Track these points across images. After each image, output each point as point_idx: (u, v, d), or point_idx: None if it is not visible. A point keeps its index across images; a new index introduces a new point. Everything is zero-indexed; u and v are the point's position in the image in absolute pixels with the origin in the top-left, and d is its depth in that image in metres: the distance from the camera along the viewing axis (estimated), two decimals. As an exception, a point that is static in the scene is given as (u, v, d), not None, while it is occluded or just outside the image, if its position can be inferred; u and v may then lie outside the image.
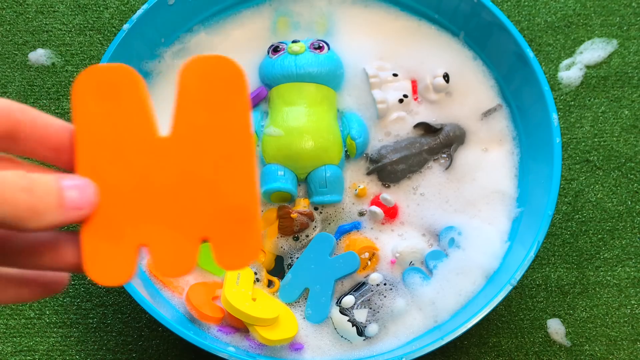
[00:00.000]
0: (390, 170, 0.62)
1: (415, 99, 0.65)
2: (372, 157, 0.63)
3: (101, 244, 0.30)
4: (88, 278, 0.65)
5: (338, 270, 0.60)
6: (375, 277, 0.59)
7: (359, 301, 0.59)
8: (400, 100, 0.64)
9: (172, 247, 0.31)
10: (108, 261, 0.30)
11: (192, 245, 0.31)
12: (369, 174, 0.63)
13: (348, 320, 0.58)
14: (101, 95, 0.31)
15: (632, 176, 0.68)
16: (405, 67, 0.65)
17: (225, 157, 0.30)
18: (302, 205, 0.61)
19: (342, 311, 0.58)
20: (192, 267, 0.31)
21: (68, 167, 0.32)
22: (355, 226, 0.62)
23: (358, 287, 0.60)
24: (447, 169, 0.63)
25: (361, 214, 0.63)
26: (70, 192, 0.29)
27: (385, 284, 0.60)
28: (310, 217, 0.62)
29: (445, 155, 0.63)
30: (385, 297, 0.59)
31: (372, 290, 0.59)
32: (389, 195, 0.62)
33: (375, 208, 0.61)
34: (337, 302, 0.60)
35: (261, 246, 0.31)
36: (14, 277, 0.31)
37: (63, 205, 0.29)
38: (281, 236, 0.62)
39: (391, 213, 0.62)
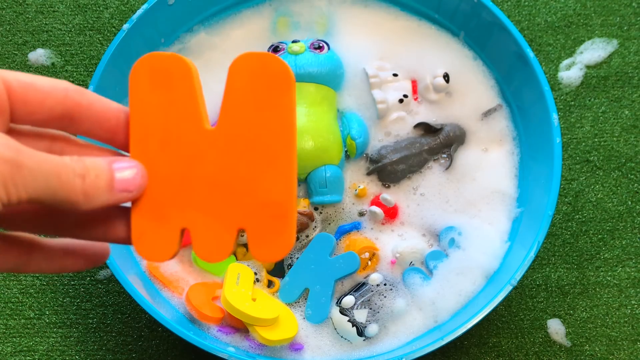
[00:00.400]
0: (390, 170, 0.62)
1: (416, 99, 0.65)
2: (372, 157, 0.63)
3: (148, 223, 0.32)
4: (88, 278, 0.65)
5: (338, 271, 0.60)
6: (375, 278, 0.59)
7: (359, 301, 0.59)
8: (400, 100, 0.63)
9: (210, 233, 0.32)
10: (153, 239, 0.32)
11: (229, 234, 0.32)
12: (369, 174, 0.63)
13: (348, 321, 0.58)
14: (156, 83, 0.32)
15: (632, 176, 0.68)
16: (405, 67, 0.65)
17: (268, 153, 0.32)
18: (302, 205, 0.61)
19: (342, 311, 0.58)
20: (228, 254, 0.33)
21: (122, 148, 0.34)
22: (355, 226, 0.62)
23: (358, 288, 0.60)
24: (447, 169, 0.63)
25: (361, 214, 0.62)
26: (121, 175, 0.31)
27: (385, 284, 0.60)
28: (310, 217, 0.62)
29: (445, 156, 0.63)
30: (385, 297, 0.59)
31: (372, 291, 0.59)
32: (389, 196, 0.61)
33: (375, 208, 0.61)
34: (337, 303, 0.60)
35: (294, 242, 0.33)
36: (60, 247, 0.33)
37: (113, 189, 0.31)
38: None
39: (391, 213, 0.62)
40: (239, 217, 0.32)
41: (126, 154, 0.34)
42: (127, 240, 0.33)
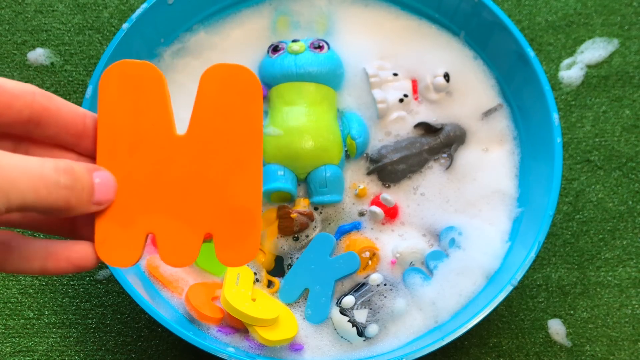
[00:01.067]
0: (390, 170, 0.62)
1: (416, 99, 0.65)
2: (372, 157, 0.63)
3: (112, 228, 0.33)
4: (87, 278, 0.65)
5: (338, 271, 0.60)
6: (375, 278, 0.59)
7: (359, 301, 0.59)
8: (401, 100, 0.63)
9: (177, 238, 0.33)
10: (117, 244, 0.33)
11: (195, 238, 0.33)
12: (369, 174, 0.63)
13: (348, 321, 0.58)
14: (126, 89, 0.33)
15: (633, 176, 0.67)
16: (405, 67, 0.65)
17: (235, 160, 0.33)
18: (302, 205, 0.61)
19: (342, 312, 0.58)
20: (194, 259, 0.33)
21: (86, 153, 0.34)
22: (356, 226, 0.62)
23: (358, 288, 0.60)
24: (447, 168, 0.63)
25: (361, 214, 0.62)
26: (99, 188, 0.32)
27: (385, 284, 0.59)
28: (310, 217, 0.62)
29: (445, 155, 0.63)
30: (385, 297, 0.59)
31: (372, 291, 0.59)
32: (389, 195, 0.61)
33: (375, 208, 0.61)
34: (337, 303, 0.59)
35: (258, 247, 0.33)
36: (41, 248, 0.33)
37: (92, 201, 0.32)
38: (281, 236, 0.62)
39: (391, 213, 0.62)
40: (206, 221, 0.33)
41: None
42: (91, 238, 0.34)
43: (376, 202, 0.62)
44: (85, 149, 0.34)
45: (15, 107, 0.31)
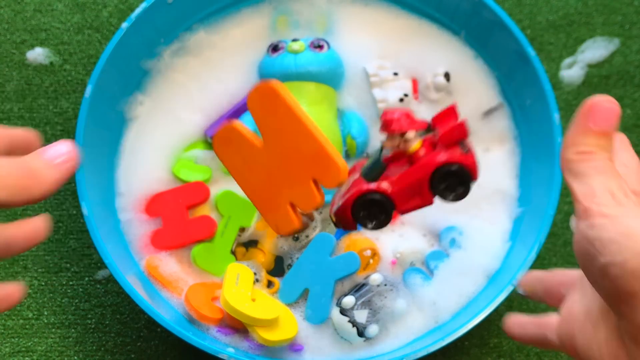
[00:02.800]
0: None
1: (416, 98, 0.64)
2: (368, 154, 0.63)
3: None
4: (87, 279, 0.64)
5: (338, 271, 0.59)
6: (375, 278, 0.59)
7: (359, 302, 0.58)
8: (401, 99, 0.63)
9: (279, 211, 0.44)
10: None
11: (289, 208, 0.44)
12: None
13: (348, 321, 0.58)
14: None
15: (634, 176, 0.67)
16: (405, 66, 0.65)
17: (299, 142, 0.41)
18: (303, 204, 0.61)
19: (343, 312, 0.58)
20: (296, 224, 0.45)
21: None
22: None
23: (358, 288, 0.59)
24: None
25: None
26: (58, 160, 0.35)
27: (385, 285, 0.59)
28: (310, 217, 0.61)
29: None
30: (385, 297, 0.59)
31: (372, 291, 0.59)
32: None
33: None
34: (337, 303, 0.59)
35: (345, 165, 0.42)
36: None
37: (58, 170, 0.35)
38: (281, 236, 0.61)
39: (392, 213, 0.62)
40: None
41: None
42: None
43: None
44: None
45: None
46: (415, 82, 0.64)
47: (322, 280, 0.59)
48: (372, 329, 0.58)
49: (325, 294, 0.59)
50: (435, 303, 0.59)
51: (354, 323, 0.58)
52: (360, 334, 0.58)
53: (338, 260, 0.60)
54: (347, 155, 0.63)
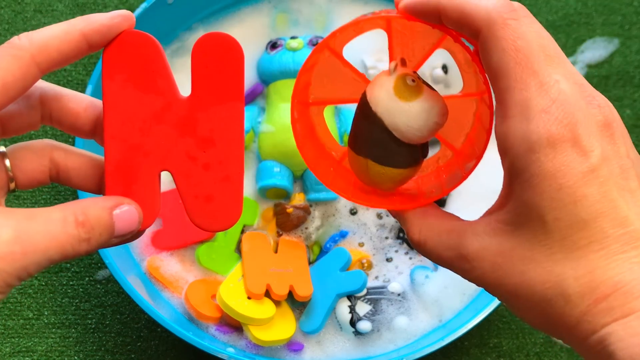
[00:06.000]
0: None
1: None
2: None
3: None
4: (87, 279, 0.64)
5: (343, 286, 0.59)
6: (395, 286, 0.59)
7: (368, 296, 0.59)
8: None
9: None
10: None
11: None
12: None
13: (348, 306, 0.58)
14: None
15: (633, 176, 0.67)
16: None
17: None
18: (298, 199, 0.61)
19: (350, 296, 0.58)
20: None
21: (89, 136, 0.36)
22: (342, 235, 0.62)
23: (376, 286, 0.60)
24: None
25: (352, 212, 0.62)
26: (119, 224, 0.33)
27: (399, 295, 0.59)
28: (307, 211, 0.61)
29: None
30: (391, 305, 0.59)
31: (384, 295, 0.59)
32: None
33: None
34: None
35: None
36: None
37: (113, 237, 0.33)
38: (281, 232, 0.62)
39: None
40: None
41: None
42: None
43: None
44: (87, 134, 0.36)
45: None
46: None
47: (325, 292, 0.59)
48: (365, 325, 0.58)
49: (324, 305, 0.59)
50: (437, 301, 0.59)
51: (351, 310, 0.58)
52: (353, 324, 0.58)
53: (346, 276, 0.59)
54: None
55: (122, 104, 0.35)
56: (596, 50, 0.71)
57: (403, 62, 0.36)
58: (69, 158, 0.36)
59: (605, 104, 0.31)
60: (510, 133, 0.31)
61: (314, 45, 0.62)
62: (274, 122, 0.60)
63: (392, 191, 0.37)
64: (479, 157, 0.36)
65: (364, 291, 0.59)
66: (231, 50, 0.35)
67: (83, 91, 0.69)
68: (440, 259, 0.34)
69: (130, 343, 0.63)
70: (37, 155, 0.35)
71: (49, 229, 0.31)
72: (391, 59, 0.36)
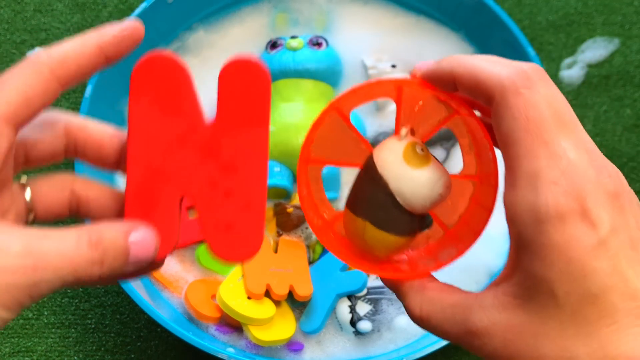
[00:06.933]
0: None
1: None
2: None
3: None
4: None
5: (343, 286, 0.59)
6: None
7: (369, 296, 0.59)
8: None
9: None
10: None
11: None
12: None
13: (349, 306, 0.58)
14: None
15: (634, 176, 0.67)
16: (403, 60, 0.65)
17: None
18: (298, 199, 0.61)
19: (350, 296, 0.58)
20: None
21: (113, 166, 0.36)
22: None
23: (377, 287, 0.60)
24: (442, 162, 0.63)
25: None
26: (135, 249, 0.32)
27: None
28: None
29: (443, 149, 0.63)
30: (392, 304, 0.59)
31: (385, 295, 0.59)
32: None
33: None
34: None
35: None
36: None
37: (127, 263, 0.32)
38: (282, 232, 0.62)
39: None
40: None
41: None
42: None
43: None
44: (112, 165, 0.36)
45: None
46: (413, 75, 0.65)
47: (325, 292, 0.59)
48: (365, 325, 0.58)
49: (324, 306, 0.59)
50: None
51: (352, 310, 0.58)
52: (353, 324, 0.58)
53: (346, 276, 0.59)
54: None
55: (146, 126, 0.34)
56: (596, 49, 0.71)
57: (412, 132, 0.35)
58: (90, 189, 0.35)
59: (615, 174, 0.31)
60: (518, 203, 0.31)
61: (314, 45, 0.62)
62: (274, 122, 0.60)
63: (383, 259, 0.37)
64: (477, 234, 0.36)
65: (364, 291, 0.59)
66: (258, 76, 0.34)
67: (82, 91, 0.69)
68: (446, 335, 0.34)
69: (130, 343, 0.63)
70: (58, 187, 0.35)
71: (61, 248, 0.30)
72: (397, 125, 0.36)
